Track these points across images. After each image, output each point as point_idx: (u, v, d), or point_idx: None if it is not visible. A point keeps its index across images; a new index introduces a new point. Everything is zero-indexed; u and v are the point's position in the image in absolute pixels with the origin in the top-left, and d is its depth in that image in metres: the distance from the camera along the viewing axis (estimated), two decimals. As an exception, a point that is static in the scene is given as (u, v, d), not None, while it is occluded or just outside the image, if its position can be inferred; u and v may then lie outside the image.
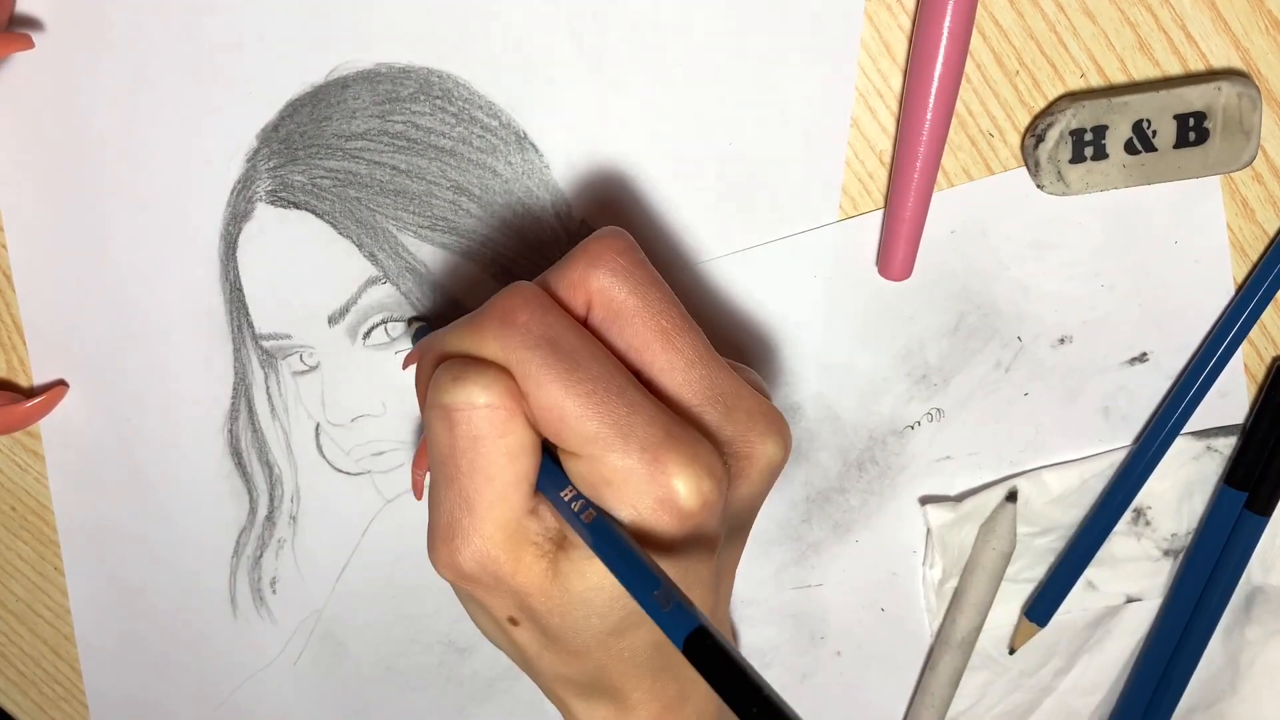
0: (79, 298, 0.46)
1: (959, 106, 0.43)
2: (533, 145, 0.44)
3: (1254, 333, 0.46)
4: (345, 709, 0.53)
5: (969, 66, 0.42)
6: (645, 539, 0.31)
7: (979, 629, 0.50)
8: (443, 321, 0.46)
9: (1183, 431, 0.47)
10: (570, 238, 0.45)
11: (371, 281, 0.45)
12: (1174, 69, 0.43)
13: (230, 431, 0.48)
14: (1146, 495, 0.48)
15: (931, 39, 0.39)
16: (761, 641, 0.52)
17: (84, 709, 0.54)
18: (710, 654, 0.26)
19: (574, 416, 0.30)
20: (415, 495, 0.44)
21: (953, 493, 0.49)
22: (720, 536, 0.33)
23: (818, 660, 0.52)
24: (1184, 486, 0.48)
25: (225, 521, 0.49)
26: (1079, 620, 0.51)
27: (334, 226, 0.44)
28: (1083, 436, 0.48)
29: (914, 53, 0.41)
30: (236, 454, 0.48)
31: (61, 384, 0.48)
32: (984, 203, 0.44)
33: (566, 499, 0.31)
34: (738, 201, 0.45)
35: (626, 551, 0.29)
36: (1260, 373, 0.47)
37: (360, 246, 0.45)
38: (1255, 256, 0.46)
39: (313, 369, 0.46)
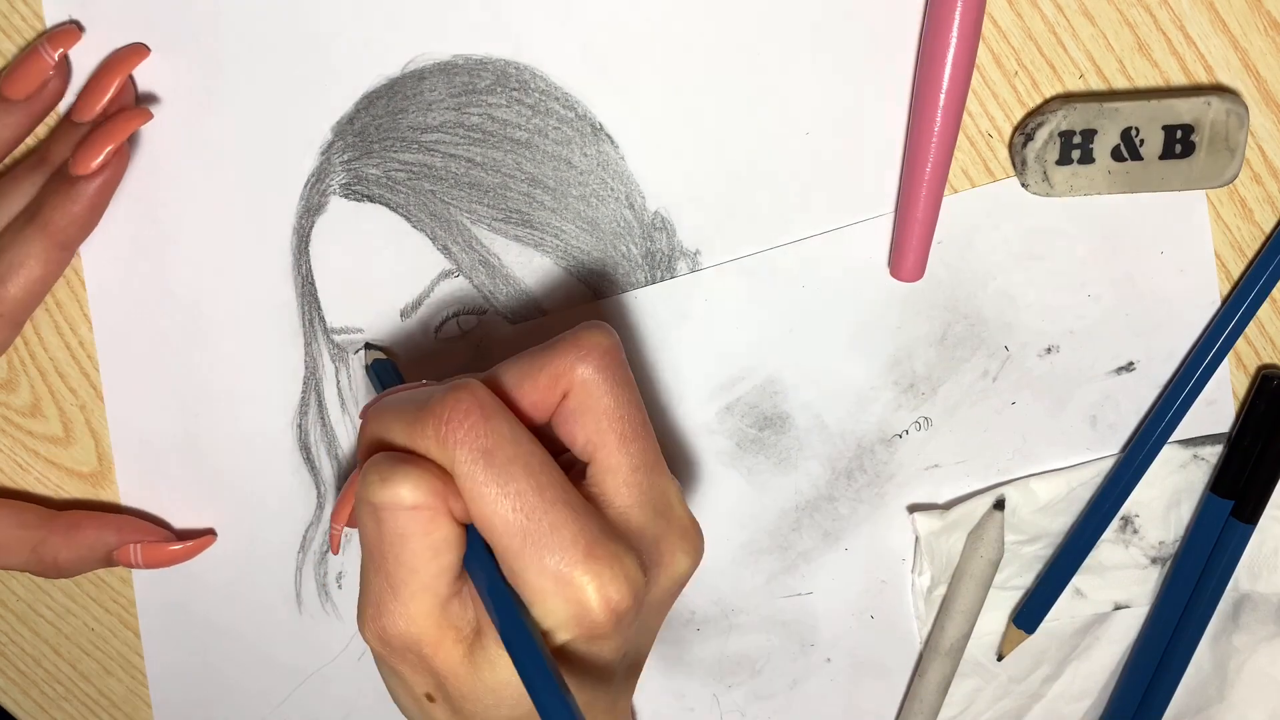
0: (150, 291, 0.43)
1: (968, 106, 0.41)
2: (608, 136, 0.41)
3: (1239, 342, 0.44)
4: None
5: None
6: (555, 652, 0.31)
7: (967, 636, 0.48)
8: (512, 315, 0.43)
9: (1170, 440, 0.45)
10: (643, 229, 0.42)
11: (445, 275, 0.43)
12: (1173, 70, 0.41)
13: (299, 426, 0.45)
14: (1134, 503, 0.46)
15: (940, 42, 0.38)
16: (752, 649, 0.49)
17: (85, 709, 0.50)
18: None
19: (502, 528, 0.30)
20: (332, 549, 0.43)
21: (941, 501, 0.47)
22: (617, 660, 0.33)
23: (808, 667, 0.50)
24: (1171, 495, 0.47)
25: (292, 517, 0.46)
26: (1067, 627, 0.49)
27: (408, 219, 0.42)
28: (1070, 445, 0.46)
29: (923, 54, 0.39)
30: (305, 448, 0.45)
31: (211, 533, 0.46)
32: (970, 213, 0.42)
33: (492, 596, 0.31)
34: (795, 197, 0.43)
35: (536, 657, 0.29)
36: (1245, 382, 0.45)
37: (434, 240, 0.42)
38: (1255, 257, 0.44)
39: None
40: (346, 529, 0.44)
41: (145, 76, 0.40)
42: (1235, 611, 0.49)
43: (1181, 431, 0.46)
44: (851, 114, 0.41)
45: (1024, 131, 0.41)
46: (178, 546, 0.45)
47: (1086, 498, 0.47)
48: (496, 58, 0.40)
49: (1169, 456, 0.46)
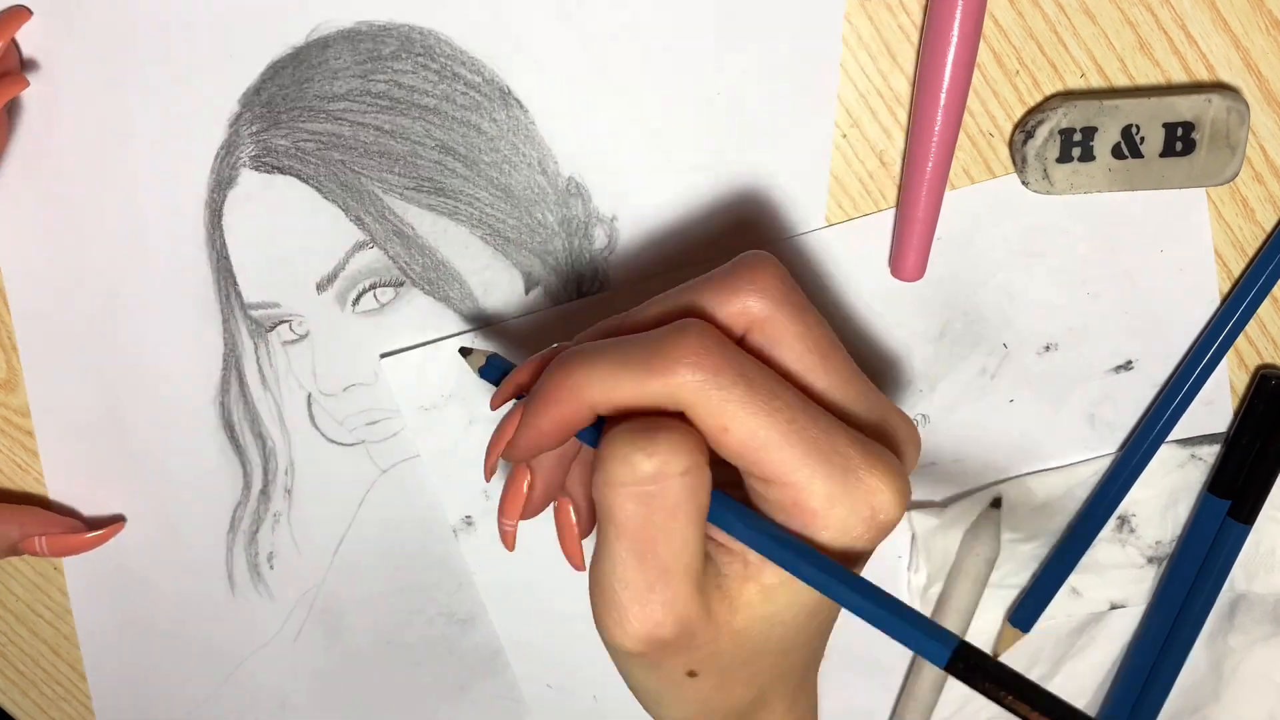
0: (65, 273, 0.42)
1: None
2: (517, 101, 0.40)
3: (1239, 342, 0.44)
4: (346, 684, 0.49)
5: None
6: (848, 558, 0.30)
7: (963, 634, 0.47)
8: (429, 287, 0.42)
9: (1167, 440, 0.44)
10: (557, 194, 0.41)
11: (359, 246, 0.42)
12: (1174, 69, 0.40)
13: (222, 404, 0.44)
14: (1131, 503, 0.46)
15: (941, 40, 0.37)
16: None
17: (84, 709, 0.50)
18: (977, 670, 0.27)
19: (776, 447, 0.29)
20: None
21: (938, 499, 0.46)
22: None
23: None
24: (1168, 494, 0.46)
25: (220, 497, 0.46)
26: (1063, 627, 0.48)
27: (319, 191, 0.41)
28: (1067, 443, 0.45)
29: (924, 54, 0.38)
30: (229, 427, 0.45)
31: (120, 519, 0.46)
32: (970, 210, 0.41)
33: (763, 533, 0.30)
34: (728, 191, 0.42)
35: (850, 582, 0.29)
36: (1244, 382, 0.45)
37: (346, 210, 0.41)
38: (1255, 257, 0.43)
39: (302, 338, 0.43)
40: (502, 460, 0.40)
41: (42, 50, 0.40)
42: (1231, 612, 0.48)
43: (1179, 431, 0.45)
44: (772, 73, 0.40)
45: (1024, 129, 0.40)
46: (85, 535, 0.45)
47: (1084, 497, 0.46)
48: (400, 23, 0.39)
49: (1166, 456, 0.46)
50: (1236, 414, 0.45)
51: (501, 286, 0.43)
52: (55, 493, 0.47)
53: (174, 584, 0.48)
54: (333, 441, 0.45)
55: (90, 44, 0.40)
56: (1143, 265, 0.43)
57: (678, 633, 0.30)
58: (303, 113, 0.40)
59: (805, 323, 0.31)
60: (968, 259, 0.42)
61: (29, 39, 0.40)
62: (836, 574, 0.29)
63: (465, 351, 0.38)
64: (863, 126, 0.41)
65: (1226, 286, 0.43)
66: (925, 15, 0.38)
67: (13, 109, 0.40)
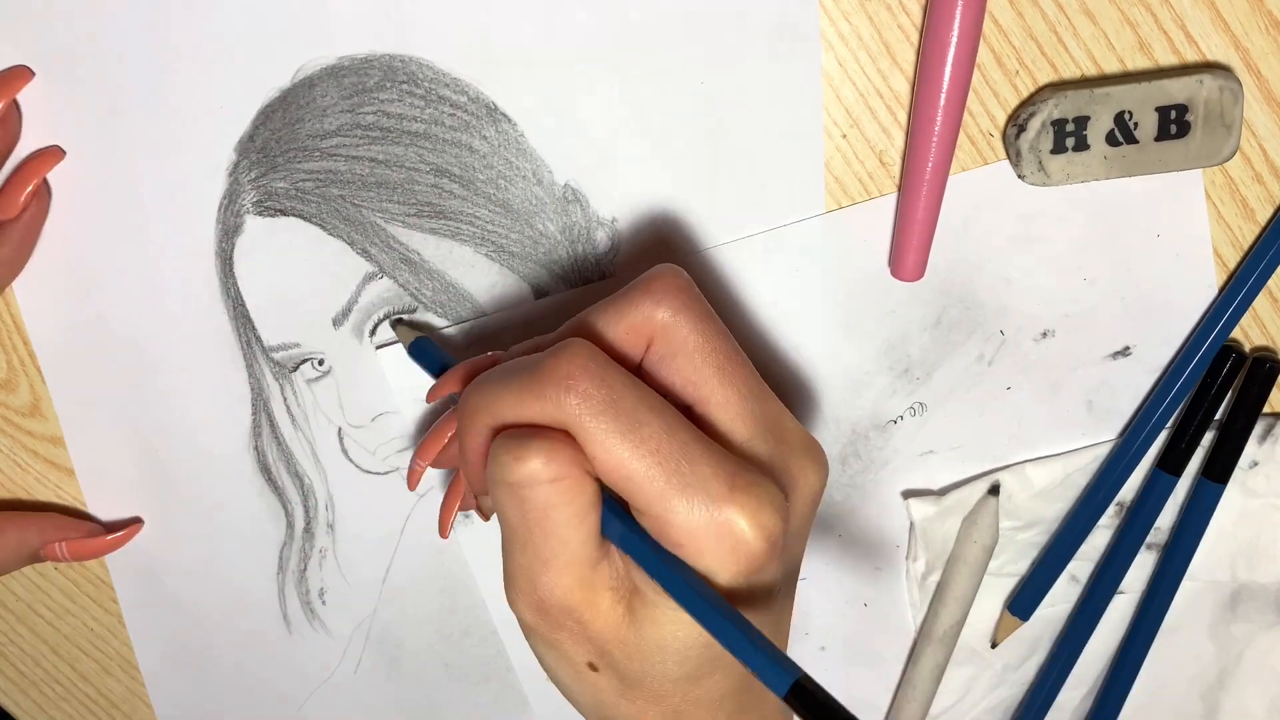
0: (91, 334, 0.43)
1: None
2: (505, 115, 0.40)
3: (1235, 329, 0.43)
4: (411, 711, 0.50)
5: None
6: (728, 591, 0.30)
7: (962, 623, 0.46)
8: (442, 310, 0.43)
9: (1166, 426, 0.44)
10: (555, 203, 0.41)
11: (369, 278, 0.42)
12: None
13: (256, 448, 0.45)
14: (1129, 489, 0.45)
15: (941, 39, 0.37)
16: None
17: (84, 709, 0.51)
18: (814, 704, 0.27)
19: (641, 476, 0.29)
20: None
21: (936, 487, 0.46)
22: (779, 582, 0.32)
23: (802, 656, 0.48)
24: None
25: (266, 540, 0.46)
26: (1062, 614, 0.47)
27: (323, 228, 0.41)
28: (1066, 430, 0.45)
29: (924, 53, 0.38)
30: (265, 470, 0.45)
31: (138, 521, 0.46)
32: (966, 196, 0.41)
33: (645, 551, 0.30)
34: (718, 185, 0.42)
35: (714, 604, 0.28)
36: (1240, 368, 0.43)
37: (352, 244, 0.42)
38: (1253, 245, 0.42)
39: (326, 374, 0.44)
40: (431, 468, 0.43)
41: (47, 124, 0.41)
42: (1233, 601, 0.47)
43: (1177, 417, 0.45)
44: (762, 72, 0.40)
45: (1016, 123, 0.39)
46: (105, 538, 0.45)
47: (1082, 484, 0.46)
48: (381, 53, 0.40)
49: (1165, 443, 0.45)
50: (1230, 399, 0.45)
51: (511, 301, 0.43)
52: (112, 555, 0.48)
53: (232, 629, 0.49)
54: (368, 472, 0.45)
55: (86, 109, 0.41)
56: (1139, 251, 0.42)
57: (560, 614, 0.31)
58: (298, 153, 0.41)
59: (704, 333, 0.32)
60: (963, 246, 0.42)
61: (29, 105, 0.41)
62: (698, 600, 0.29)
63: (396, 322, 0.40)
64: (862, 126, 0.41)
65: (1224, 280, 0.43)
66: (925, 15, 0.39)
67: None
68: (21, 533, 0.44)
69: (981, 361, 0.44)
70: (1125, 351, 0.44)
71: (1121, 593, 0.47)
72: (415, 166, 0.41)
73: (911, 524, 0.46)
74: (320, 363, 0.44)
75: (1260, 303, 0.43)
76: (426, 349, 0.41)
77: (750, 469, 0.30)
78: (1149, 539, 0.46)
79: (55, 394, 0.45)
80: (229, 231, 0.42)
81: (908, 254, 0.41)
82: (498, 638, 0.49)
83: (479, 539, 0.47)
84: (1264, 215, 0.42)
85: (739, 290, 0.43)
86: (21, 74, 0.40)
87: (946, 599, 0.46)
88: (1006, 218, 0.42)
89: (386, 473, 0.46)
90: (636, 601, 0.31)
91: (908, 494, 0.46)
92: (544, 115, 0.40)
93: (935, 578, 0.47)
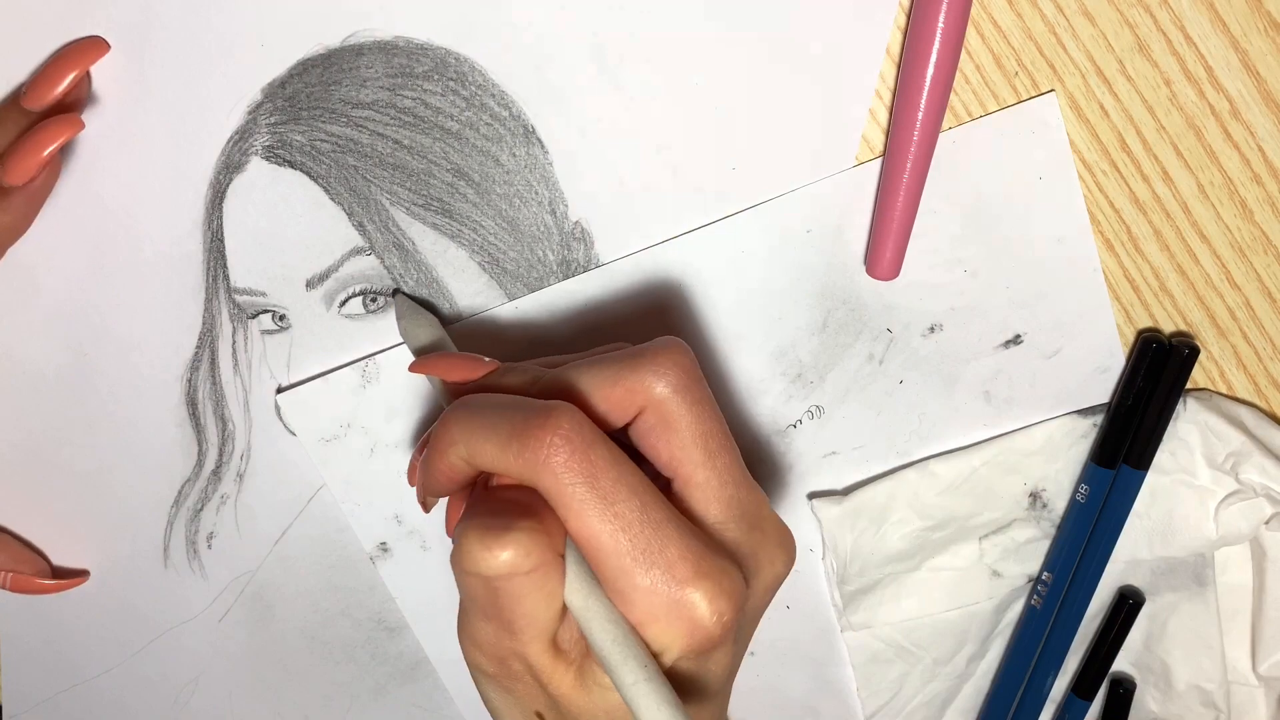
0: (56, 218, 0.42)
1: (960, 109, 0.41)
2: (539, 140, 0.40)
3: (1128, 305, 0.44)
4: (263, 671, 0.49)
5: (969, 68, 0.40)
6: (667, 672, 0.31)
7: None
8: (420, 301, 0.42)
9: (1068, 411, 0.45)
10: (561, 236, 0.42)
11: (356, 251, 0.42)
12: (1173, 70, 0.40)
13: (189, 381, 0.44)
14: (1041, 478, 0.46)
15: (925, 37, 0.37)
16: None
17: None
18: None
19: (610, 550, 0.30)
20: (423, 509, 0.39)
21: (840, 487, 0.46)
22: (729, 665, 0.33)
23: None
24: (1075, 465, 0.46)
25: (169, 471, 0.45)
26: (986, 607, 0.48)
27: (326, 191, 0.41)
28: (967, 423, 0.45)
29: (906, 51, 0.38)
30: (192, 404, 0.44)
31: (84, 574, 0.46)
32: (838, 198, 0.41)
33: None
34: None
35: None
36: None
37: (350, 215, 0.41)
38: (1258, 259, 0.43)
39: (283, 330, 0.43)
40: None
41: (83, 14, 0.39)
42: (1154, 576, 0.49)
43: (1078, 401, 0.45)
44: (795, 130, 0.41)
45: None
46: (47, 581, 0.45)
47: (991, 477, 0.46)
48: (438, 45, 0.40)
49: (1070, 427, 0.46)
50: (1120, 380, 0.45)
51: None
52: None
53: (107, 545, 0.47)
54: (294, 435, 0.45)
55: (125, 6, 0.39)
56: (1017, 239, 0.42)
57: (519, 672, 0.32)
58: (324, 113, 0.40)
59: (698, 414, 0.32)
60: (839, 248, 0.42)
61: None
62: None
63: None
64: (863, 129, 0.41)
65: (1127, 257, 0.43)
66: (909, 19, 0.39)
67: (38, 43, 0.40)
68: None
69: (872, 361, 0.44)
70: (1017, 340, 0.44)
71: (1044, 582, 0.48)
72: (437, 161, 0.41)
73: (820, 524, 0.47)
74: (281, 318, 0.43)
75: (1176, 286, 0.43)
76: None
77: (717, 553, 0.31)
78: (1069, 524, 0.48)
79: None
80: (230, 166, 0.41)
81: (883, 253, 0.41)
82: (373, 626, 0.48)
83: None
84: (1261, 215, 0.42)
85: (622, 305, 0.43)
86: (98, 45, 0.39)
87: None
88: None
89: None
90: (587, 667, 0.32)
91: (812, 495, 0.47)
92: (577, 150, 0.41)
93: (853, 573, 0.47)
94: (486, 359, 0.36)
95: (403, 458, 0.45)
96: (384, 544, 0.46)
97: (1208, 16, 0.39)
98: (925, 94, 0.38)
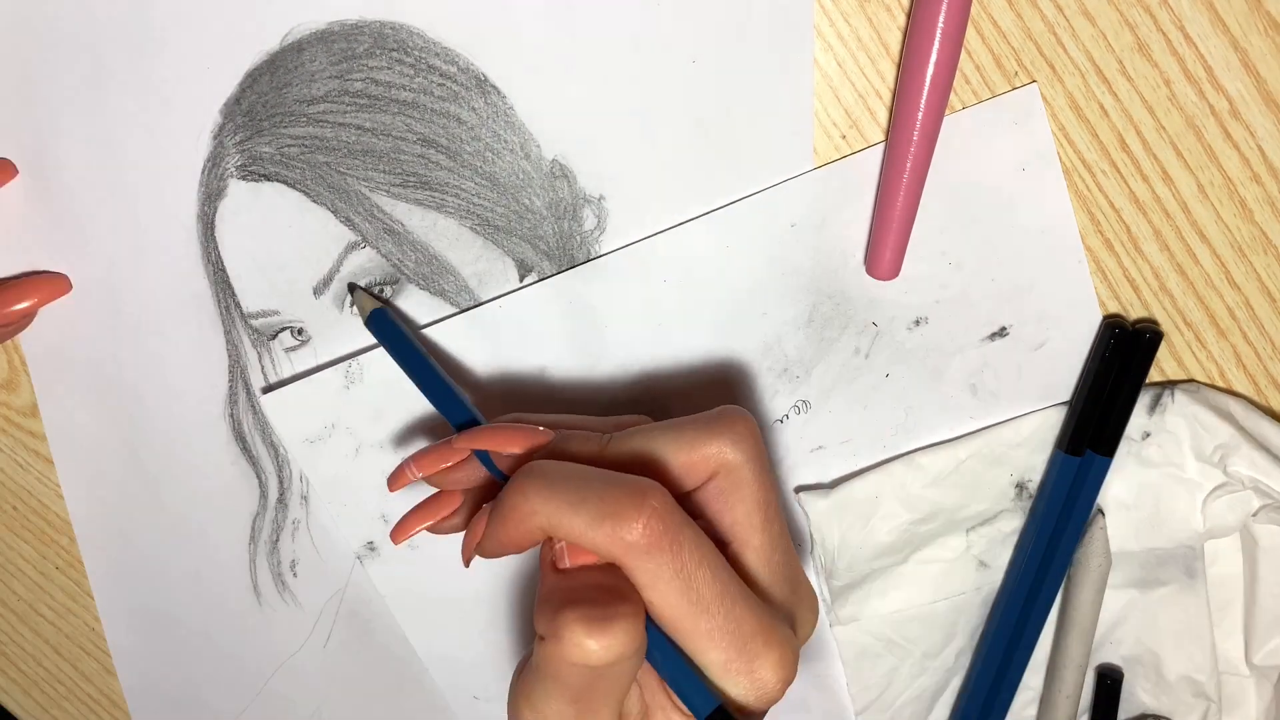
0: (68, 300, 0.43)
1: (960, 108, 0.40)
2: (494, 87, 0.40)
3: (1110, 297, 0.43)
4: (378, 688, 0.49)
5: (969, 68, 0.39)
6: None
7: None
8: (425, 282, 0.42)
9: (1053, 402, 0.44)
10: (542, 178, 0.41)
11: (352, 247, 0.42)
12: (1172, 70, 0.39)
13: (231, 416, 0.44)
14: (1027, 470, 0.45)
15: (925, 38, 0.36)
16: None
17: (85, 709, 0.51)
18: None
19: (688, 621, 0.31)
20: (390, 487, 0.39)
21: (827, 480, 0.46)
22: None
23: None
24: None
25: (239, 509, 0.46)
26: (974, 599, 0.48)
27: (307, 195, 0.41)
28: (954, 416, 0.45)
29: (906, 53, 0.38)
30: (240, 438, 0.45)
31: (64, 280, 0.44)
32: (821, 194, 0.41)
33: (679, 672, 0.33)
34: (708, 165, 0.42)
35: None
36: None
37: (336, 212, 0.41)
38: (1258, 259, 0.42)
39: (304, 343, 0.43)
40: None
41: (29, 86, 0.40)
42: (1144, 567, 0.47)
43: (1062, 392, 0.45)
44: (746, 33, 0.40)
45: None
46: (22, 305, 0.43)
47: (975, 468, 0.46)
48: (371, 20, 0.39)
49: (1056, 419, 0.45)
50: (1084, 367, 0.44)
51: (495, 276, 0.42)
52: (77, 516, 0.47)
53: (201, 599, 0.48)
54: (280, 435, 0.45)
55: (69, 69, 0.40)
56: (1001, 231, 0.42)
57: None
58: (284, 118, 0.40)
59: (762, 483, 0.34)
60: (825, 241, 0.42)
61: (8, 65, 0.40)
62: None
63: (353, 289, 0.40)
64: (862, 127, 0.41)
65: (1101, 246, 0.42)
66: (909, 13, 0.38)
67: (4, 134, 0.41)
68: None
69: (858, 355, 0.44)
70: (1002, 332, 0.44)
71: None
72: (402, 136, 0.40)
73: (806, 518, 0.46)
74: (299, 331, 0.43)
75: (1176, 286, 0.43)
76: (384, 322, 0.41)
77: (780, 623, 0.33)
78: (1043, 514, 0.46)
79: (30, 357, 0.44)
80: (212, 195, 0.41)
81: (883, 253, 0.41)
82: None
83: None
84: (1261, 215, 0.41)
85: (608, 304, 0.43)
86: (60, 284, 0.42)
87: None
88: (863, 210, 0.41)
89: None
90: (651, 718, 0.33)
91: (799, 489, 0.46)
92: (534, 88, 0.40)
93: (841, 568, 0.47)
94: (540, 428, 0.36)
95: (388, 458, 0.44)
96: (371, 543, 0.46)
97: (1207, 16, 0.39)
98: (925, 94, 0.38)
